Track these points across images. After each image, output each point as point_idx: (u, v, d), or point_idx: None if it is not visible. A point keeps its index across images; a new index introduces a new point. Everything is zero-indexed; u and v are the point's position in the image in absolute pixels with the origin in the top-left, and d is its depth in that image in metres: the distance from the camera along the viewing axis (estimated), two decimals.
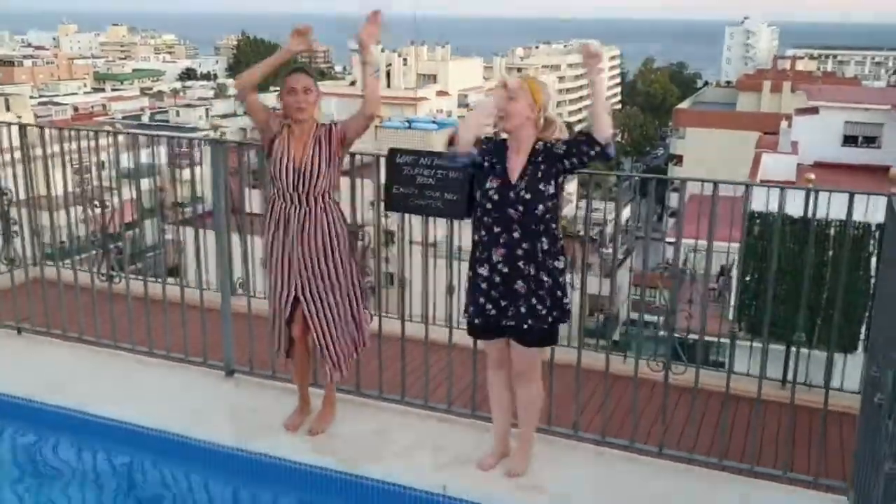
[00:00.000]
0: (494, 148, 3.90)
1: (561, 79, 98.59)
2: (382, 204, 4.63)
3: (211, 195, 5.14)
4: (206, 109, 72.48)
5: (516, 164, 3.83)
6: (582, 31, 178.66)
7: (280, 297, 4.34)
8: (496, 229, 3.83)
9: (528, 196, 3.77)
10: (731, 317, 7.19)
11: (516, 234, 3.80)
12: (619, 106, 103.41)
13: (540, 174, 3.79)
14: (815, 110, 30.69)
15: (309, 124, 4.23)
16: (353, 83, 76.23)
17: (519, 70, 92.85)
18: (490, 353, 4.16)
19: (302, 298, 4.30)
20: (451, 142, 3.88)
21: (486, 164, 3.89)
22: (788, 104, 49.48)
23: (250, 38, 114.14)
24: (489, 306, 3.93)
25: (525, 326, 3.87)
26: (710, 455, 4.38)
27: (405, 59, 74.10)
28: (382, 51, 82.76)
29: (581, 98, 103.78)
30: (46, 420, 4.86)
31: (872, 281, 6.58)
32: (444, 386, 4.88)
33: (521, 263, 3.83)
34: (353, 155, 4.54)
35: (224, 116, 72.80)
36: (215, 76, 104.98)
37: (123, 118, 64.70)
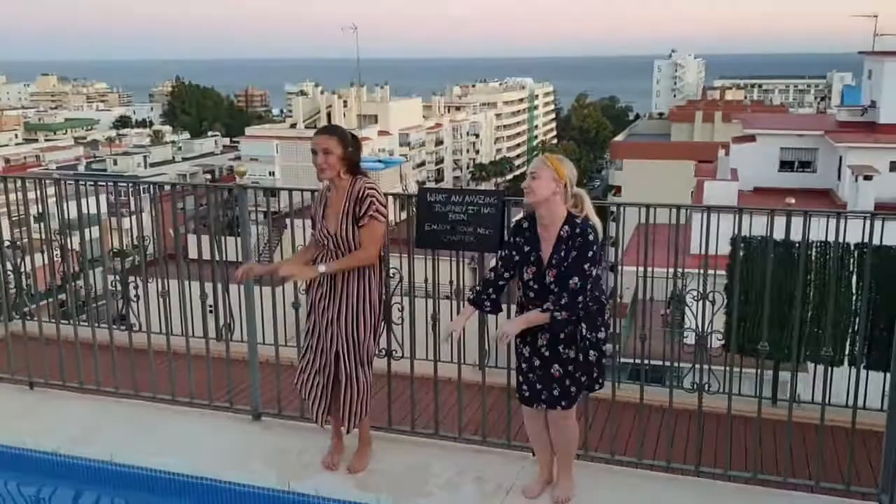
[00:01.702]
0: (529, 226, 4.01)
1: (498, 115, 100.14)
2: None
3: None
4: (144, 157, 71.48)
5: (547, 249, 3.93)
6: (517, 69, 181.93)
7: (321, 352, 4.41)
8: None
9: (556, 289, 3.87)
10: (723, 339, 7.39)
11: (560, 317, 3.88)
12: (556, 140, 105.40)
13: (568, 264, 3.86)
14: (752, 138, 31.79)
15: (344, 183, 4.28)
16: (293, 125, 76.23)
17: (458, 108, 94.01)
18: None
19: (337, 352, 4.38)
20: None
21: (517, 256, 4.02)
22: (721, 133, 51.23)
23: (185, 84, 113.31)
24: (525, 387, 4.11)
25: (557, 407, 4.05)
26: (744, 470, 4.55)
27: (345, 101, 74.47)
28: (322, 93, 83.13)
29: (518, 134, 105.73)
30: (76, 474, 4.79)
31: (854, 298, 6.94)
32: (476, 420, 4.98)
33: (561, 347, 3.97)
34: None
35: (162, 163, 72.00)
36: (151, 123, 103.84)
37: (58, 168, 63.35)
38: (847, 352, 6.74)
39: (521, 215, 4.15)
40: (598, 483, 4.49)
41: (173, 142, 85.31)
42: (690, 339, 6.38)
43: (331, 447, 4.72)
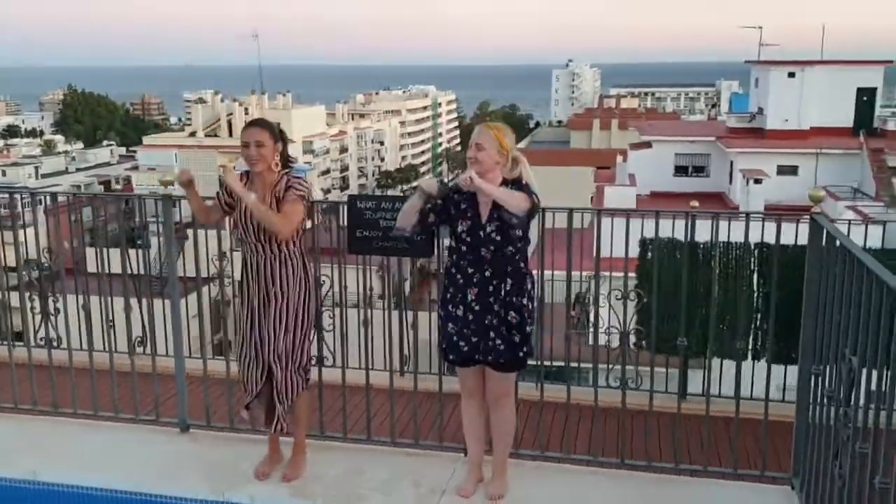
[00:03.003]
0: (466, 195, 4.13)
1: (402, 123, 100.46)
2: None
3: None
4: (35, 167, 68.58)
5: (485, 206, 4.11)
6: (420, 76, 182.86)
7: (250, 344, 4.41)
8: (470, 270, 4.09)
9: (498, 237, 4.05)
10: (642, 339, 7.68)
11: (488, 273, 4.07)
12: (459, 148, 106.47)
13: (507, 216, 4.05)
14: (648, 144, 32.99)
15: (269, 176, 4.32)
16: (192, 134, 74.55)
17: (362, 116, 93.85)
18: (464, 382, 4.38)
19: (266, 344, 4.38)
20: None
21: (453, 210, 4.15)
22: (618, 140, 52.91)
23: (78, 92, 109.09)
24: (462, 343, 4.18)
25: (501, 361, 4.15)
26: (666, 461, 4.79)
27: (246, 109, 73.30)
28: (222, 100, 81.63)
29: (422, 141, 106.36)
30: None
31: (755, 295, 7.37)
32: (409, 424, 5.06)
33: (490, 300, 4.10)
34: (313, 203, 4.67)
35: (54, 174, 69.30)
36: (41, 132, 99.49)
37: None
38: (750, 346, 7.15)
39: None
40: (529, 479, 4.63)
41: (66, 152, 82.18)
42: (602, 339, 6.67)
43: (265, 457, 4.70)
